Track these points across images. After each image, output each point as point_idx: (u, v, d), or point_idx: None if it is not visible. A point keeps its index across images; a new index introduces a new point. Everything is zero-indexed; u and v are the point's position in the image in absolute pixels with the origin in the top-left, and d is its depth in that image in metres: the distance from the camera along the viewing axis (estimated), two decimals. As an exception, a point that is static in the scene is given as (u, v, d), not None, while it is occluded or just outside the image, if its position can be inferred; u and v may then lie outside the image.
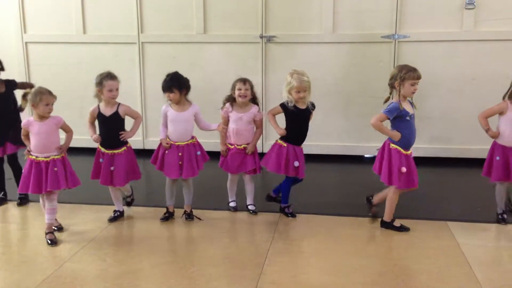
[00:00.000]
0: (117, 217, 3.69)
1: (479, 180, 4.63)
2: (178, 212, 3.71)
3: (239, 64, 5.13)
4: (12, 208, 3.96)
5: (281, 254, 3.13)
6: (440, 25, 4.88)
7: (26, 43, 5.53)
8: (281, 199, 3.77)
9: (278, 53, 5.16)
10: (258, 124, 3.76)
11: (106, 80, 3.45)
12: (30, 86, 3.97)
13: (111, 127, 3.55)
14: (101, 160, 3.56)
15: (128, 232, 3.52)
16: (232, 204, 3.86)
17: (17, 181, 4.05)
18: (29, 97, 3.34)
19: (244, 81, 3.68)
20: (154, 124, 5.22)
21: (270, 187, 4.45)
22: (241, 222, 3.69)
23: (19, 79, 5.56)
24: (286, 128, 3.64)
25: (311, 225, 3.61)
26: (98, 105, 3.55)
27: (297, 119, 3.60)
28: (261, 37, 5.13)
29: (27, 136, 3.41)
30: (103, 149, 3.56)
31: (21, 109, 4.01)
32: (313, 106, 3.65)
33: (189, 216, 3.68)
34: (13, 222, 3.73)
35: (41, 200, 3.52)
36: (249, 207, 3.82)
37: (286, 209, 3.73)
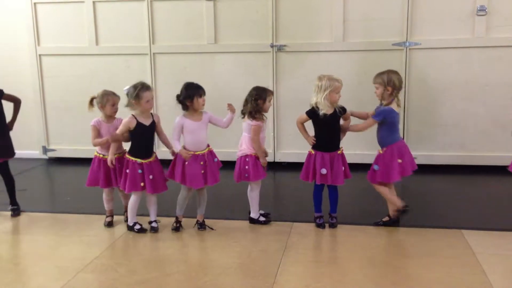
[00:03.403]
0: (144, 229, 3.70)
1: (493, 187, 4.60)
2: (190, 222, 3.71)
3: (250, 73, 5.15)
4: (25, 219, 3.98)
5: (293, 264, 3.11)
6: (452, 32, 4.87)
7: (39, 55, 5.61)
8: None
9: (289, 62, 5.17)
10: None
11: (143, 91, 3.47)
12: (15, 99, 4.04)
13: (149, 136, 3.60)
14: (140, 171, 3.52)
15: (140, 242, 3.52)
16: (261, 219, 3.77)
17: (9, 192, 4.07)
18: (96, 99, 3.62)
19: (272, 92, 3.73)
20: (167, 133, 5.25)
21: (283, 195, 4.44)
22: (253, 232, 3.68)
23: (33, 91, 5.69)
24: (315, 135, 3.60)
25: (324, 234, 3.59)
26: (134, 116, 3.52)
27: (327, 125, 3.55)
28: (272, 46, 5.15)
29: (98, 134, 3.66)
30: (139, 160, 3.54)
31: (10, 126, 4.08)
32: (344, 110, 3.59)
33: (201, 226, 3.67)
34: (26, 233, 3.75)
35: (104, 195, 3.78)
36: (260, 218, 3.80)
37: (318, 219, 3.68)
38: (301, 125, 3.62)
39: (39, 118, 5.74)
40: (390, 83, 3.51)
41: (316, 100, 3.51)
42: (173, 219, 3.69)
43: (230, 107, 3.63)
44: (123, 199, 3.80)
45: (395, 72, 3.58)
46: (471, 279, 2.86)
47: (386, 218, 3.69)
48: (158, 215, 3.73)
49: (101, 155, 3.68)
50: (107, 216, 3.80)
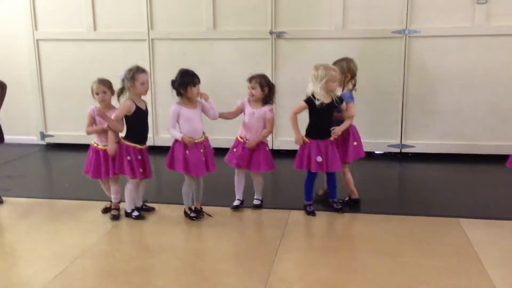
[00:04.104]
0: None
1: (491, 176, 4.61)
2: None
3: (248, 60, 5.13)
4: (23, 206, 3.98)
5: (291, 251, 3.12)
6: (452, 20, 4.84)
7: (37, 40, 5.58)
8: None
9: (288, 49, 5.14)
10: (266, 123, 3.70)
11: (138, 73, 3.45)
12: (0, 84, 3.92)
13: (146, 121, 3.60)
14: (139, 157, 3.52)
15: (138, 229, 3.53)
16: (235, 203, 3.80)
17: None
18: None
19: (250, 79, 3.64)
20: (164, 121, 5.24)
21: (281, 183, 4.44)
22: (251, 219, 3.69)
23: (30, 76, 5.67)
24: (311, 123, 3.59)
25: (321, 222, 3.60)
26: (132, 100, 3.49)
27: (324, 114, 3.54)
28: (271, 33, 5.12)
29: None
30: (139, 146, 3.53)
31: None
32: (341, 99, 3.59)
33: (199, 213, 3.67)
34: (23, 219, 3.73)
35: (101, 186, 3.74)
36: (254, 201, 3.81)
37: (308, 207, 3.70)
38: (295, 116, 3.59)
39: (36, 103, 5.72)
40: (350, 70, 3.69)
41: (312, 90, 3.50)
42: (170, 206, 3.72)
43: (202, 95, 3.54)
44: (107, 191, 3.75)
45: (352, 60, 3.75)
46: (467, 268, 2.87)
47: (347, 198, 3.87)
48: (155, 202, 3.79)
49: (95, 144, 3.61)
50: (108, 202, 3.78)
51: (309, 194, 3.71)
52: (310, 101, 3.53)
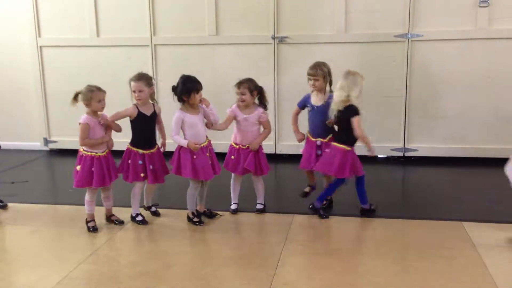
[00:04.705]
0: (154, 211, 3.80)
1: (495, 179, 4.59)
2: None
3: (251, 65, 5.14)
4: (26, 211, 3.98)
5: (294, 255, 3.12)
6: (454, 24, 4.84)
7: (40, 46, 5.60)
8: (318, 198, 3.73)
9: (290, 53, 5.15)
10: (264, 125, 3.74)
11: (132, 80, 3.47)
12: None
13: (150, 127, 3.59)
14: (140, 162, 3.52)
15: (141, 234, 3.53)
16: (233, 207, 3.82)
17: None
18: (81, 95, 3.42)
19: (239, 84, 3.64)
20: (167, 126, 5.23)
21: (284, 187, 4.44)
22: (254, 223, 3.69)
23: (34, 82, 5.69)
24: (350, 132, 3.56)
25: (325, 226, 3.59)
26: (136, 106, 3.51)
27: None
28: (273, 38, 5.13)
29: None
30: (141, 151, 3.53)
31: None
32: None
33: (210, 215, 3.70)
34: (27, 225, 3.73)
35: (87, 196, 3.53)
36: (256, 206, 3.82)
37: (322, 210, 3.71)
38: (363, 130, 3.51)
39: (40, 109, 5.74)
40: (330, 73, 3.70)
41: (352, 94, 3.45)
42: (173, 211, 3.72)
43: (204, 101, 3.55)
44: (90, 204, 3.54)
45: (325, 62, 3.73)
46: (471, 271, 2.86)
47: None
48: (160, 207, 3.80)
49: (93, 153, 3.42)
50: (89, 221, 3.55)
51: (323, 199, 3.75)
52: (357, 109, 3.50)
